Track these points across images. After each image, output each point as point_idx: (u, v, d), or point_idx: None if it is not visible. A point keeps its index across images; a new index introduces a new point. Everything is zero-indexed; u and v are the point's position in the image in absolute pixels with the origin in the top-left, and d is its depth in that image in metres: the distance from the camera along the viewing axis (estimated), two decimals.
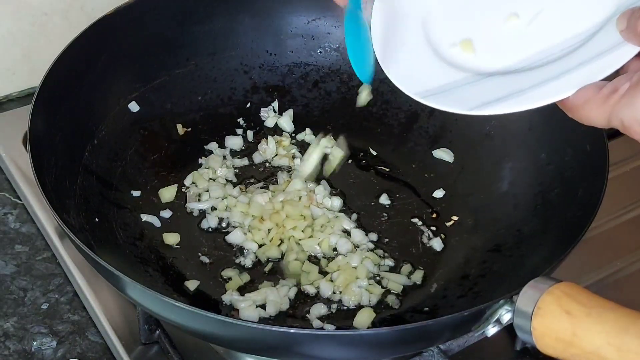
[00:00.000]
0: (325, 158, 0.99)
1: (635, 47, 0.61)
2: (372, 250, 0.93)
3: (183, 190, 0.98)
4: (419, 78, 0.70)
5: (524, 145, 0.95)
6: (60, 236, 0.97)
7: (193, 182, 0.98)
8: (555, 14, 0.68)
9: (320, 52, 1.08)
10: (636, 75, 0.59)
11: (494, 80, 0.68)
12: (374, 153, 1.03)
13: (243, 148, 1.04)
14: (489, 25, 0.71)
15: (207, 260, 0.91)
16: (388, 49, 0.73)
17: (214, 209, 0.96)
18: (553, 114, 0.94)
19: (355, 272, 0.89)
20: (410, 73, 0.71)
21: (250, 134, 1.05)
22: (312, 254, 0.92)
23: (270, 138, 1.03)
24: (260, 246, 0.92)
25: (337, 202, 0.97)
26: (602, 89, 0.60)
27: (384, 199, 0.98)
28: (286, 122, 1.06)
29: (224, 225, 0.95)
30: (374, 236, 0.94)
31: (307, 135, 1.05)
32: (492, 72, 0.68)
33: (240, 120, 1.06)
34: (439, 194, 0.98)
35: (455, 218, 0.95)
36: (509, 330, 0.70)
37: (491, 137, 0.98)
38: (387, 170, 1.01)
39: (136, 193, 0.95)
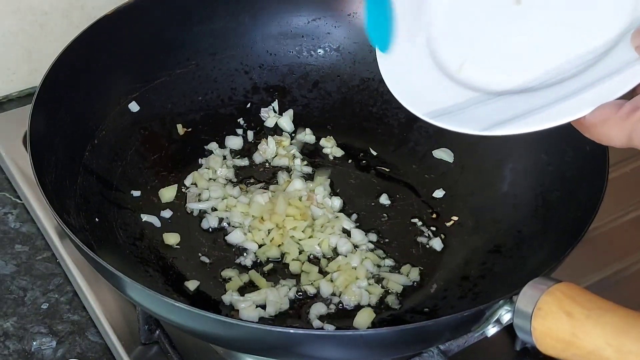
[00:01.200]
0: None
1: None
2: (372, 250, 0.93)
3: (183, 190, 0.98)
4: (428, 98, 0.69)
5: (524, 145, 0.95)
6: (60, 236, 0.97)
7: (193, 182, 0.98)
8: (567, 30, 0.67)
9: (320, 52, 1.08)
10: None
11: (506, 100, 0.66)
12: (374, 153, 1.03)
13: (243, 148, 1.04)
14: (498, 43, 0.70)
15: (207, 261, 0.91)
16: (395, 69, 0.72)
17: (214, 209, 0.96)
18: None
19: (355, 272, 0.89)
20: (418, 93, 0.70)
21: (250, 134, 1.05)
22: (312, 254, 0.92)
23: (270, 138, 1.03)
24: (260, 246, 0.92)
25: (337, 202, 0.97)
26: (621, 108, 0.59)
27: (384, 199, 0.98)
28: (286, 122, 1.06)
29: (224, 225, 0.95)
30: (374, 236, 0.94)
31: (307, 135, 1.05)
32: (503, 91, 0.67)
33: (241, 120, 1.06)
34: (439, 194, 0.98)
35: (455, 218, 0.95)
36: (509, 330, 0.70)
37: (491, 137, 0.98)
38: (387, 170, 1.01)
39: (136, 193, 0.95)
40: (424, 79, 0.71)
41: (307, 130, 1.05)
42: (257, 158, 1.02)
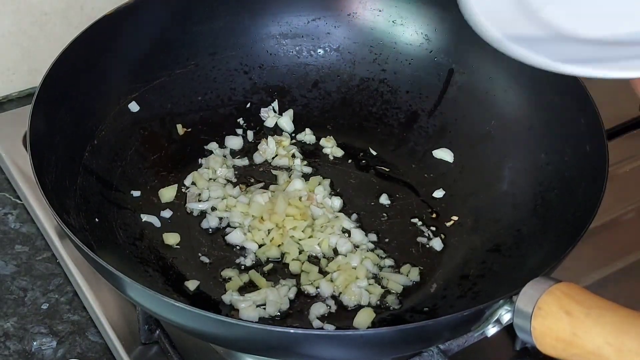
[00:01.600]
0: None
1: None
2: (372, 250, 0.93)
3: (183, 190, 0.98)
4: (506, 24, 0.65)
5: (523, 145, 0.95)
6: (60, 236, 0.97)
7: (193, 182, 0.98)
8: None
9: (320, 52, 1.08)
10: None
11: (588, 44, 0.63)
12: (374, 153, 1.03)
13: (243, 148, 1.04)
14: None
15: (207, 260, 0.91)
16: None
17: (214, 209, 0.96)
18: (553, 114, 0.95)
19: (355, 272, 0.89)
20: (496, 17, 0.65)
21: (250, 134, 1.05)
22: (312, 254, 0.92)
23: (270, 138, 1.03)
24: (260, 246, 0.92)
25: (337, 202, 0.97)
26: None
27: (384, 199, 0.98)
28: (286, 122, 1.06)
29: (224, 225, 0.95)
30: (373, 236, 0.94)
31: (307, 135, 1.05)
32: (586, 39, 0.63)
33: (240, 120, 1.06)
34: (439, 194, 0.98)
35: (455, 218, 0.95)
36: (509, 330, 0.70)
37: (491, 137, 0.98)
38: (387, 170, 1.01)
39: (136, 193, 0.95)
40: (504, 8, 0.67)
41: (307, 130, 1.05)
42: (257, 158, 1.02)
